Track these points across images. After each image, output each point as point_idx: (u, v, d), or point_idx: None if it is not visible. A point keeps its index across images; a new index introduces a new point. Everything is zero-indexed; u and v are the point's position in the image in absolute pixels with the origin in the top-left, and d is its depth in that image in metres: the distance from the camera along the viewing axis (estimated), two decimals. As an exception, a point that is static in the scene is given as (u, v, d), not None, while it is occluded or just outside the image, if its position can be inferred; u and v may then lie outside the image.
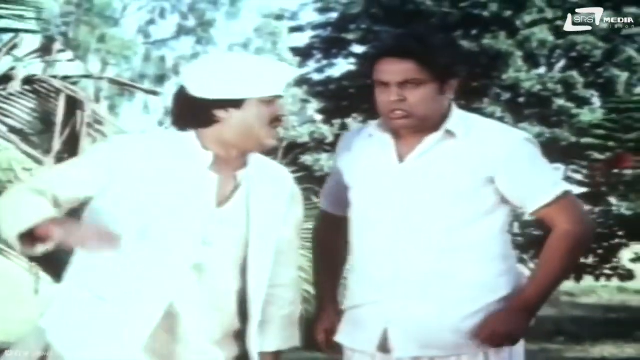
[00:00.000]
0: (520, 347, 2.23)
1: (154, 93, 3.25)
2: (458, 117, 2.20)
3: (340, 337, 2.31)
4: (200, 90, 2.02)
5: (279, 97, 2.06)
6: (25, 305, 7.43)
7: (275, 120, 2.06)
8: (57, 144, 3.55)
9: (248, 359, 2.12)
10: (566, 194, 2.18)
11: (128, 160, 2.00)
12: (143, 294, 1.99)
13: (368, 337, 2.21)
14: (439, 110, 2.18)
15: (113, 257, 1.97)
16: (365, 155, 2.25)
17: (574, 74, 22.15)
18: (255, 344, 2.11)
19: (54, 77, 3.68)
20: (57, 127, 3.54)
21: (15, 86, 3.49)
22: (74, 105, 3.61)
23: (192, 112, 2.04)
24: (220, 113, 2.02)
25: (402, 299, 2.16)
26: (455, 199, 2.14)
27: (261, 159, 2.15)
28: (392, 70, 2.13)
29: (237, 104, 2.01)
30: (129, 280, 1.99)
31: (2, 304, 7.26)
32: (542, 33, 21.75)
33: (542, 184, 2.17)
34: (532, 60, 22.54)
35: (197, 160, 2.04)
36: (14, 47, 3.71)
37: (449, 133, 2.17)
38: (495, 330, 2.14)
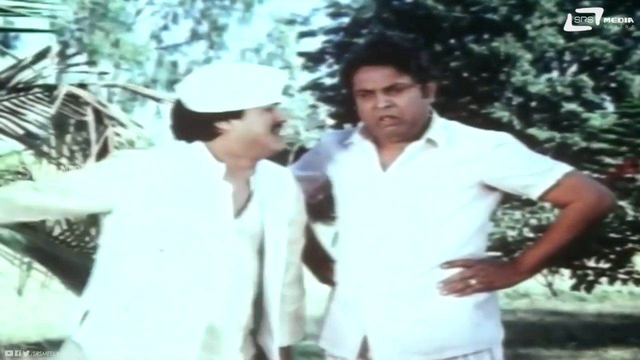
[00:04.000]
0: (499, 353, 2.24)
1: (158, 100, 3.25)
2: (439, 126, 2.22)
3: (321, 343, 2.33)
4: (199, 104, 2.02)
5: (278, 103, 2.08)
6: (39, 312, 7.46)
7: (277, 126, 2.06)
8: (92, 158, 3.58)
9: (263, 357, 2.15)
10: (567, 174, 2.17)
11: (139, 177, 2.01)
12: (179, 309, 2.01)
13: (348, 344, 2.23)
14: (424, 114, 2.20)
15: (141, 270, 2.00)
16: (348, 165, 2.27)
17: (584, 77, 22.07)
18: (277, 341, 2.14)
19: (81, 86, 3.70)
20: (92, 142, 3.57)
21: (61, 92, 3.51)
22: (99, 116, 3.64)
23: (194, 127, 2.04)
24: (222, 125, 2.03)
25: (382, 305, 2.17)
26: (440, 207, 2.16)
27: (265, 162, 2.14)
28: (374, 77, 2.14)
29: (237, 114, 2.02)
30: (161, 295, 2.01)
31: (16, 311, 7.29)
32: (553, 37, 21.69)
33: (540, 170, 2.19)
34: (542, 64, 22.48)
35: (209, 171, 2.06)
36: (41, 56, 3.74)
37: (431, 142, 2.19)
38: (475, 275, 2.17)
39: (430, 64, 2.22)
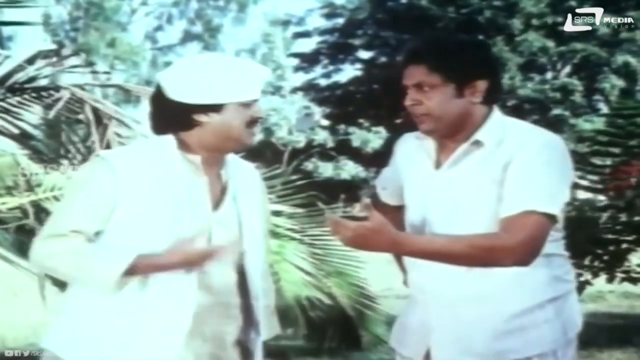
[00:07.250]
0: (570, 352, 2.20)
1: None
2: (493, 125, 2.16)
3: (392, 342, 2.35)
4: (180, 94, 2.01)
5: (256, 99, 2.09)
6: (32, 311, 7.46)
7: (253, 121, 2.07)
8: (97, 149, 3.58)
9: (248, 353, 2.16)
10: (534, 212, 2.04)
11: (128, 177, 2.01)
12: (163, 302, 2.02)
13: (415, 346, 2.22)
14: (460, 114, 2.16)
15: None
16: (411, 159, 2.30)
17: (573, 80, 22.15)
18: (265, 332, 2.16)
19: (77, 86, 3.71)
20: (93, 136, 3.57)
21: (64, 96, 3.48)
22: (96, 114, 3.63)
23: (172, 116, 2.04)
24: (201, 117, 2.03)
25: (445, 306, 2.18)
26: (484, 207, 2.13)
27: (231, 156, 2.16)
28: (407, 74, 2.18)
29: (217, 108, 2.03)
30: (146, 291, 2.01)
31: (10, 310, 7.30)
32: (539, 41, 21.76)
33: (526, 196, 2.07)
34: (531, 67, 22.53)
35: (184, 164, 2.06)
36: (35, 58, 3.74)
37: (478, 143, 2.15)
38: (354, 229, 1.97)
39: (471, 62, 2.16)
